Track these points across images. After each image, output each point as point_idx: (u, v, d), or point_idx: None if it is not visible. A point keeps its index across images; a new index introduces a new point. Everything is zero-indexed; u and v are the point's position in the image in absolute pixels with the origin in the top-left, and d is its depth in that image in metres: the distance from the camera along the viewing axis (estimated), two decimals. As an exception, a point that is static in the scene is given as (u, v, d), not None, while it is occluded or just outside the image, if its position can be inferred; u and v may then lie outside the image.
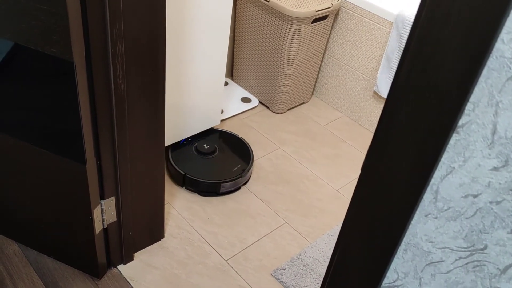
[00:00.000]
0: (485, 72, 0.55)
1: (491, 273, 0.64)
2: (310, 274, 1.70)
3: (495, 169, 0.58)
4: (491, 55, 0.54)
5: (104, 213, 1.46)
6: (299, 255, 1.77)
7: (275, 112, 2.49)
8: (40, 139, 1.36)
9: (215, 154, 2.05)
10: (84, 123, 1.22)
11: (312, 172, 2.16)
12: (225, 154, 2.07)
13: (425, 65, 0.59)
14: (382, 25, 2.20)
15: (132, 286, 1.59)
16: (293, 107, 2.55)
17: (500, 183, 0.59)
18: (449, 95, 0.58)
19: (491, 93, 0.56)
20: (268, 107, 2.51)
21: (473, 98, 0.57)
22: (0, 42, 1.35)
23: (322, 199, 2.04)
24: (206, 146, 2.05)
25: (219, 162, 2.03)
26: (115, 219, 1.51)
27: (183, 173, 1.94)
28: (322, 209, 1.99)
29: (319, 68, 2.56)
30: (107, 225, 1.50)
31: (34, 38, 1.09)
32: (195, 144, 2.06)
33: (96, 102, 1.23)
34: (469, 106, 0.58)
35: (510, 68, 0.53)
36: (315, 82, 2.61)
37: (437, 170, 0.64)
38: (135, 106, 1.33)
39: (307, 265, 1.73)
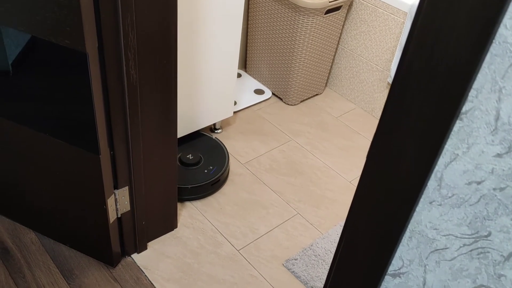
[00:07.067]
0: (488, 58, 0.55)
1: (495, 260, 0.64)
2: (322, 265, 1.71)
3: (499, 155, 0.58)
4: (494, 40, 0.54)
5: (118, 202, 1.49)
6: (311, 245, 1.77)
7: (288, 104, 2.49)
8: (55, 129, 1.39)
9: (201, 162, 1.97)
10: (97, 113, 1.24)
11: (324, 163, 2.16)
12: (202, 152, 2.00)
13: (428, 52, 0.59)
14: (396, 16, 2.18)
15: (146, 274, 1.62)
16: (306, 99, 2.55)
17: (503, 170, 0.59)
18: (452, 82, 0.58)
19: (494, 79, 0.55)
20: (281, 99, 2.51)
21: (476, 84, 0.57)
22: (18, 35, 1.38)
23: (334, 190, 2.04)
24: (191, 157, 1.95)
25: (205, 164, 1.96)
26: (129, 209, 1.53)
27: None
28: (334, 200, 1.99)
29: (333, 60, 2.55)
30: (121, 214, 1.52)
31: (48, 30, 1.11)
32: (178, 156, 1.93)
33: (109, 93, 1.25)
34: (472, 93, 0.58)
35: (513, 54, 0.53)
36: (329, 73, 2.60)
37: (441, 157, 0.64)
38: (148, 97, 1.35)
39: (319, 255, 1.74)
